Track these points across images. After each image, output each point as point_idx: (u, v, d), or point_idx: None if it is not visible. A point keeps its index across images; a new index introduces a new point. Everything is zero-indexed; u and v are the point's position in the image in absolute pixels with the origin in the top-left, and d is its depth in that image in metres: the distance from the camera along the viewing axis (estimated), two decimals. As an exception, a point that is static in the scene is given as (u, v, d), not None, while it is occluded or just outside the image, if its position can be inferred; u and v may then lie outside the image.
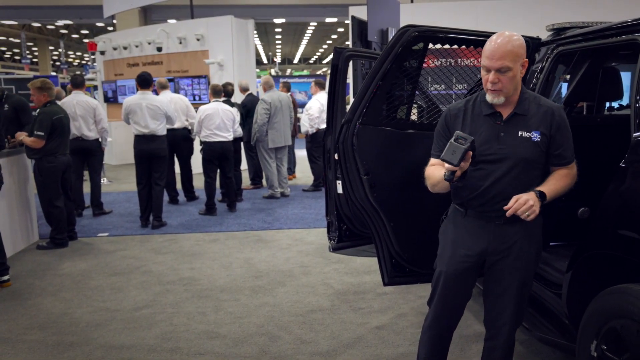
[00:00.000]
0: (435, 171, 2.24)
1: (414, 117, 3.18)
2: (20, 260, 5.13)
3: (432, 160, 2.33)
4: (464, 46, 2.90)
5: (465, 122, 2.24)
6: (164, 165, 6.33)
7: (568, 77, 3.48)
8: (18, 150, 5.49)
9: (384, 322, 3.58)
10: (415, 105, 3.15)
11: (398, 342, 3.31)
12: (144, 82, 6.25)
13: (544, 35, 3.17)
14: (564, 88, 3.65)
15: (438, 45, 2.89)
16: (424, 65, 2.95)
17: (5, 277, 4.41)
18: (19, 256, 5.26)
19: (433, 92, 3.40)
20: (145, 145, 6.13)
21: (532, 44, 2.99)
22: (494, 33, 2.89)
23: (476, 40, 2.87)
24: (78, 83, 6.67)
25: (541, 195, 2.08)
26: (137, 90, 6.30)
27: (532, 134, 2.15)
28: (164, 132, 6.27)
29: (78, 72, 19.65)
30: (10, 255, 5.03)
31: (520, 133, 2.16)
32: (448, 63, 3.88)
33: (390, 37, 4.76)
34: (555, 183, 2.16)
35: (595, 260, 2.30)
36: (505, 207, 2.07)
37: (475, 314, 3.60)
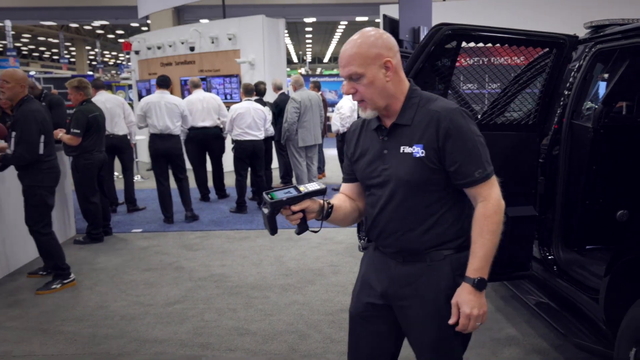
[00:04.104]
0: (340, 201, 1.84)
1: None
2: (58, 254, 5.29)
3: (343, 187, 1.93)
4: (498, 44, 2.85)
5: (359, 140, 1.83)
6: (181, 160, 6.50)
7: (606, 76, 3.39)
8: (56, 147, 5.64)
9: (414, 323, 3.55)
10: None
11: (428, 343, 3.28)
12: (163, 82, 6.47)
13: (582, 33, 3.10)
14: (602, 87, 3.56)
15: (471, 44, 2.85)
16: (457, 64, 2.91)
17: (70, 278, 4.42)
18: (57, 250, 5.43)
19: (466, 91, 3.35)
20: (160, 144, 6.30)
21: (569, 42, 2.92)
22: (528, 30, 2.85)
23: (510, 39, 2.82)
24: (99, 85, 6.97)
25: (480, 284, 1.61)
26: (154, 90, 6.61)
27: (414, 149, 1.65)
28: (179, 132, 6.46)
29: (97, 75, 20.72)
30: (49, 249, 5.18)
31: (402, 149, 1.68)
32: (481, 62, 3.82)
33: (422, 36, 4.72)
34: (480, 249, 1.62)
35: (635, 265, 2.24)
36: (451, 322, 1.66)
37: (507, 316, 3.55)
